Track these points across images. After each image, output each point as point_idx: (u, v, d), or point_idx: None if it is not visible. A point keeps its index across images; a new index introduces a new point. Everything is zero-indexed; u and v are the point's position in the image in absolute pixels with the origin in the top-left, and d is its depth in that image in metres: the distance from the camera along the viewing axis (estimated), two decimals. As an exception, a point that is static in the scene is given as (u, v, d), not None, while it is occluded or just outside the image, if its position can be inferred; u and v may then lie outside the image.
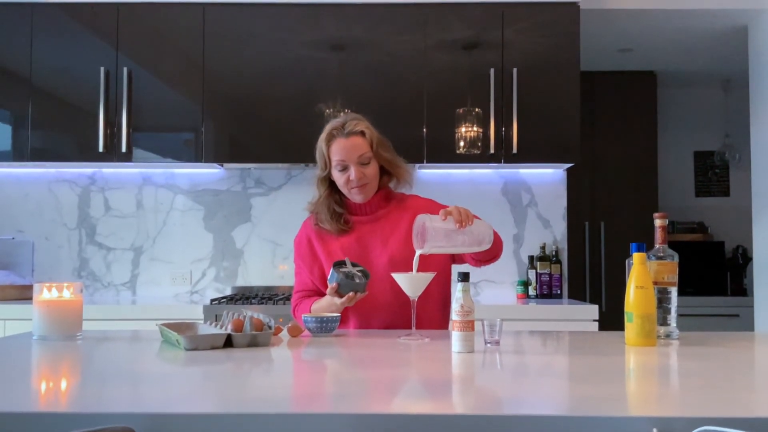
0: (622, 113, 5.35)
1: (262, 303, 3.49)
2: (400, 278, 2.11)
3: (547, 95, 3.72)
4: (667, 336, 2.04)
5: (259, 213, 4.04)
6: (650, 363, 1.75)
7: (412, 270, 2.13)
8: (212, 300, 3.61)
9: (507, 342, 2.04)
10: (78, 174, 4.05)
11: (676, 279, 2.05)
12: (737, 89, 5.57)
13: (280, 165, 3.90)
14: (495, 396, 1.43)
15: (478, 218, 2.22)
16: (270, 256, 4.03)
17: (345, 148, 2.31)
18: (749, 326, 4.78)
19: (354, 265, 2.23)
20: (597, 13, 4.01)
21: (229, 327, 1.98)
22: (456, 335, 1.85)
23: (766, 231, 4.15)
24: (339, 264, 2.23)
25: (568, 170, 4.01)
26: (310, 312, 2.31)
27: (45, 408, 1.29)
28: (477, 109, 3.69)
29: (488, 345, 1.93)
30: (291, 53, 3.74)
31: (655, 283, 2.01)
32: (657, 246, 2.06)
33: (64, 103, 3.79)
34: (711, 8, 4.04)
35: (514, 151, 3.67)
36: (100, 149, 3.70)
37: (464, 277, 1.88)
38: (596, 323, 3.45)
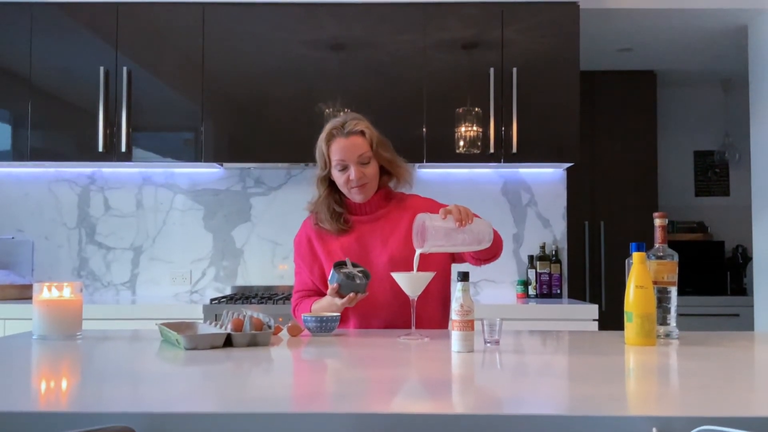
0: (622, 113, 5.35)
1: (262, 302, 3.49)
2: (399, 278, 2.11)
3: (547, 95, 3.72)
4: (667, 336, 2.04)
5: (259, 213, 4.04)
6: (650, 362, 1.75)
7: (412, 269, 2.13)
8: (212, 299, 3.61)
9: (507, 341, 2.04)
10: (78, 174, 4.05)
11: (675, 279, 2.05)
12: (737, 89, 5.57)
13: (279, 164, 3.90)
14: (495, 395, 1.43)
15: (478, 217, 2.22)
16: (270, 256, 4.03)
17: (345, 147, 2.31)
18: (749, 326, 4.78)
19: (354, 265, 2.23)
20: (597, 13, 4.01)
21: (229, 327, 1.98)
22: (455, 335, 1.85)
23: (766, 230, 4.15)
24: (339, 264, 2.22)
25: (568, 170, 4.01)
26: (310, 312, 2.30)
27: (45, 408, 1.29)
28: (477, 109, 3.69)
29: (488, 345, 1.93)
30: (291, 53, 3.73)
31: (655, 282, 2.01)
32: (657, 245, 2.06)
33: (64, 102, 3.79)
34: (711, 8, 4.04)
35: (514, 150, 3.67)
36: (100, 149, 3.70)
37: (464, 276, 1.88)
38: (596, 323, 3.45)
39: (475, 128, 3.69)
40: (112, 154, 3.73)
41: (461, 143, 3.69)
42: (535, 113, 3.70)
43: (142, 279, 4.03)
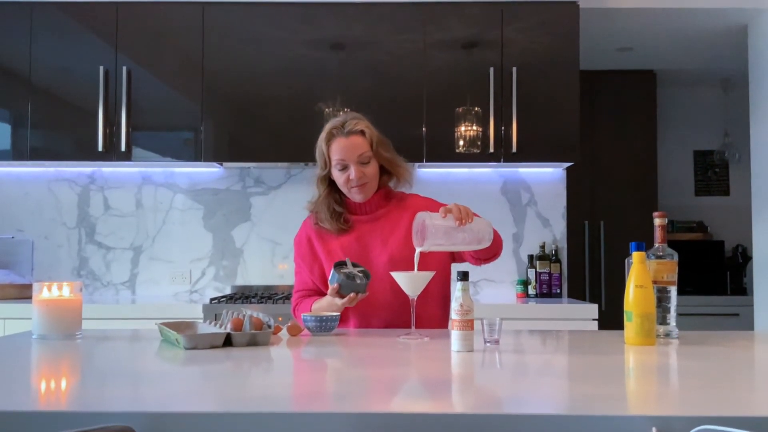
0: (622, 112, 5.35)
1: (262, 302, 3.49)
2: (399, 277, 2.11)
3: (547, 94, 3.72)
4: (667, 335, 2.04)
5: (259, 212, 4.04)
6: (650, 362, 1.75)
7: (412, 269, 2.13)
8: (212, 299, 3.61)
9: (506, 341, 2.04)
10: (77, 173, 4.05)
11: (675, 278, 2.05)
12: (737, 88, 5.57)
13: (279, 164, 3.90)
14: (494, 395, 1.43)
15: (478, 216, 2.22)
16: (269, 256, 4.03)
17: (345, 147, 2.31)
18: (749, 325, 4.79)
19: (355, 265, 2.23)
20: (596, 12, 4.01)
21: (229, 326, 1.98)
22: (455, 334, 1.85)
23: (766, 230, 4.15)
24: (340, 264, 2.22)
25: (568, 169, 4.01)
26: (310, 312, 2.30)
27: (45, 407, 1.29)
28: (476, 108, 3.69)
29: (488, 344, 1.93)
30: (290, 52, 3.73)
31: (655, 282, 2.01)
32: (656, 245, 2.06)
33: (64, 102, 3.79)
34: (711, 7, 4.04)
35: (514, 150, 3.67)
36: (100, 148, 3.70)
37: (463, 276, 1.88)
38: (596, 322, 3.45)
39: (474, 128, 3.69)
40: (111, 153, 3.73)
41: (461, 143, 3.69)
42: (534, 113, 3.69)
43: (142, 278, 4.03)
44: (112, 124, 3.72)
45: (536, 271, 3.91)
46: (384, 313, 2.33)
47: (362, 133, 2.33)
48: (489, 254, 2.30)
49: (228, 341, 1.93)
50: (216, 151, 3.77)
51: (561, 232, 4.02)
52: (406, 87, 3.73)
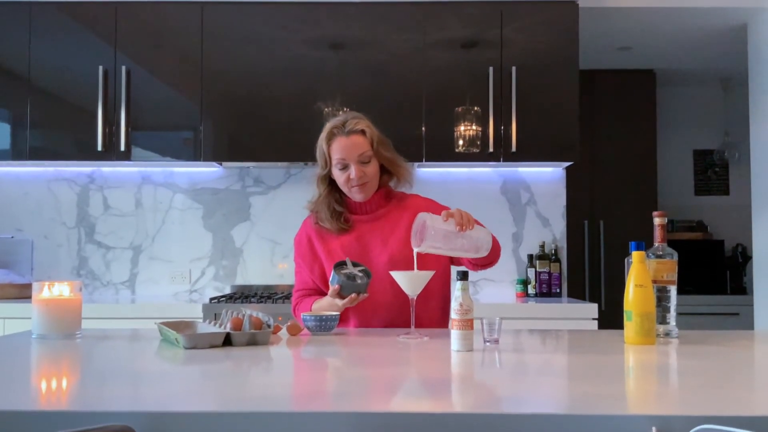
0: (622, 112, 5.35)
1: (261, 302, 3.49)
2: (399, 276, 2.11)
3: (546, 94, 3.72)
4: (667, 335, 2.04)
5: (258, 212, 4.04)
6: (649, 361, 1.75)
7: (412, 269, 2.12)
8: (211, 299, 3.61)
9: (506, 341, 2.04)
10: (77, 173, 4.05)
11: (675, 277, 2.05)
12: (737, 87, 5.57)
13: (279, 164, 3.90)
14: (494, 394, 1.43)
15: (480, 224, 2.22)
16: (269, 255, 4.03)
17: (345, 146, 2.31)
18: (749, 325, 4.78)
19: (355, 264, 2.23)
20: (596, 12, 4.01)
21: (228, 326, 1.98)
22: (455, 334, 1.85)
23: (766, 229, 4.15)
24: (340, 265, 2.22)
25: (567, 169, 4.01)
26: (310, 311, 2.30)
27: (44, 407, 1.29)
28: (476, 108, 3.69)
29: (487, 344, 1.93)
30: (290, 52, 3.73)
31: (655, 281, 2.01)
32: (656, 244, 2.06)
33: (63, 102, 3.78)
34: (710, 6, 4.04)
35: (513, 149, 3.67)
36: (99, 148, 3.70)
37: (463, 275, 1.88)
38: (595, 322, 3.45)
39: (474, 127, 3.69)
40: (111, 153, 3.72)
41: (460, 142, 3.69)
42: (534, 112, 3.69)
43: (142, 278, 4.03)
44: (111, 123, 3.72)
45: (536, 271, 3.91)
46: (384, 312, 2.33)
47: (363, 132, 2.33)
48: (485, 261, 2.30)
49: (227, 341, 1.93)
50: (215, 151, 3.77)
51: (561, 232, 4.02)
52: (406, 86, 3.72)
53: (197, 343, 1.88)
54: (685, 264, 2.51)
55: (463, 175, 4.02)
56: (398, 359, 1.80)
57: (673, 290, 2.05)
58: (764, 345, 2.11)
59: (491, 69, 3.69)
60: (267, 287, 3.99)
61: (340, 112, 3.58)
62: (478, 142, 3.69)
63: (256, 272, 4.03)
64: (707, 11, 4.10)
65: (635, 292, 1.93)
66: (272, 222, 4.03)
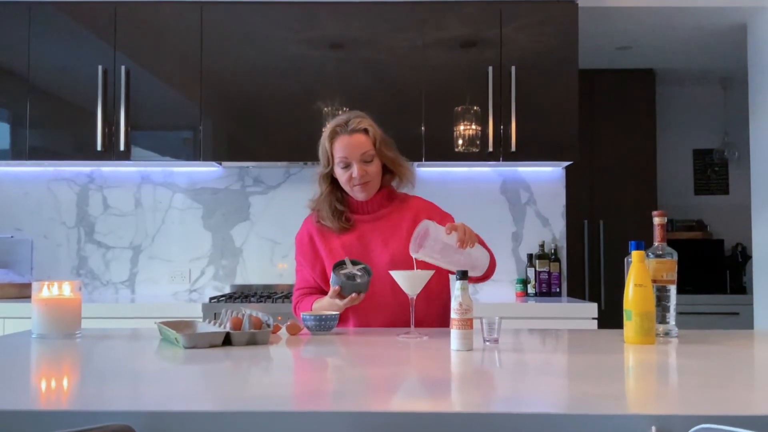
0: (621, 111, 5.35)
1: (261, 301, 3.49)
2: (398, 276, 2.11)
3: (546, 93, 3.72)
4: (666, 334, 2.04)
5: (258, 211, 4.04)
6: (649, 361, 1.75)
7: (413, 269, 2.12)
8: (211, 298, 3.61)
9: (506, 340, 2.04)
10: (76, 172, 4.04)
11: (675, 277, 2.05)
12: (736, 87, 5.57)
13: (278, 163, 3.90)
14: (494, 394, 1.43)
15: (482, 240, 2.22)
16: (269, 255, 4.03)
17: (348, 145, 2.31)
18: (749, 324, 4.78)
19: (354, 263, 2.22)
20: (595, 11, 4.01)
21: (228, 325, 1.98)
22: (455, 333, 1.85)
23: (766, 229, 4.15)
24: (339, 265, 2.22)
25: (567, 168, 4.01)
26: (311, 311, 2.31)
27: (44, 406, 1.29)
28: (475, 107, 3.69)
29: (487, 343, 1.93)
30: (289, 51, 3.73)
31: (654, 281, 2.01)
32: (656, 244, 2.06)
33: (63, 101, 3.78)
34: (710, 6, 4.04)
35: (513, 149, 3.67)
36: (99, 148, 3.70)
37: (463, 275, 1.88)
38: (595, 321, 3.45)
39: (473, 127, 3.69)
40: (110, 153, 3.72)
41: (460, 142, 3.69)
42: (534, 112, 3.69)
43: (141, 278, 4.03)
44: (111, 123, 3.72)
45: (535, 270, 3.91)
46: (384, 313, 2.33)
47: (365, 131, 2.34)
48: (476, 278, 2.29)
49: (227, 340, 1.93)
50: (215, 151, 3.77)
51: (560, 231, 4.02)
52: (405, 86, 3.72)
53: (197, 342, 1.88)
54: (684, 263, 2.51)
55: (463, 175, 4.02)
56: (398, 359, 1.80)
57: (672, 290, 2.05)
58: (764, 344, 2.11)
59: (491, 68, 3.69)
60: (266, 287, 3.99)
61: (340, 112, 3.59)
62: (478, 142, 3.69)
63: (255, 272, 4.03)
64: (707, 11, 4.10)
65: (635, 292, 1.93)
66: (272, 222, 4.03)
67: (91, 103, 3.70)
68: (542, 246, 3.95)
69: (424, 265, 2.15)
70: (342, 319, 2.33)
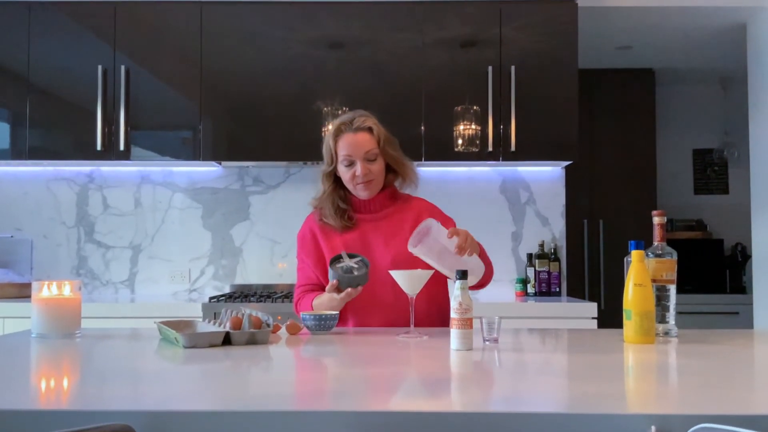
0: (621, 111, 5.35)
1: (261, 301, 3.49)
2: (398, 275, 2.11)
3: (546, 93, 3.72)
4: (666, 334, 2.04)
5: (258, 211, 4.04)
6: (649, 361, 1.75)
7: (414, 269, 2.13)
8: (211, 298, 3.61)
9: (505, 340, 2.04)
10: (76, 172, 4.04)
11: (674, 276, 2.05)
12: (736, 87, 5.57)
13: (278, 163, 3.90)
14: (494, 394, 1.43)
15: (484, 251, 2.22)
16: (268, 254, 4.03)
17: (352, 143, 2.32)
18: (748, 324, 4.78)
19: (351, 256, 2.22)
20: (595, 11, 4.01)
21: (228, 325, 1.98)
22: (454, 333, 1.85)
23: (765, 228, 4.15)
24: (336, 259, 2.22)
25: (567, 168, 4.01)
26: (311, 307, 2.31)
27: (44, 406, 1.29)
28: (475, 107, 3.69)
29: (487, 343, 1.93)
30: (289, 51, 3.73)
31: (654, 280, 2.01)
32: (655, 244, 2.06)
33: (62, 101, 3.78)
34: (709, 6, 4.04)
35: (513, 148, 3.67)
36: (98, 147, 3.70)
37: (462, 274, 1.88)
38: (595, 321, 3.45)
39: (473, 126, 3.69)
40: (110, 152, 3.72)
41: (460, 141, 3.69)
42: (533, 111, 3.69)
43: (141, 277, 4.03)
44: (110, 123, 3.72)
45: (535, 270, 3.91)
46: (384, 313, 2.33)
47: (370, 130, 2.34)
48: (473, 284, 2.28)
49: (227, 340, 1.93)
50: (215, 150, 3.77)
51: (560, 231, 4.02)
52: (405, 86, 3.72)
53: (197, 342, 1.88)
54: (684, 263, 2.51)
55: (463, 175, 4.02)
56: (398, 358, 1.80)
57: (672, 289, 2.05)
58: (763, 344, 2.11)
59: (490, 68, 3.69)
60: (266, 286, 3.99)
61: (340, 112, 3.59)
62: (478, 142, 3.69)
63: (255, 271, 4.03)
64: (706, 10, 4.10)
65: (634, 291, 1.93)
66: (271, 221, 4.03)
67: (91, 103, 3.70)
68: (542, 246, 3.95)
69: (425, 265, 2.15)
70: (342, 318, 2.33)
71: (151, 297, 3.90)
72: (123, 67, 3.71)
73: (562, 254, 3.99)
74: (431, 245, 2.09)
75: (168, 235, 4.04)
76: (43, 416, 1.20)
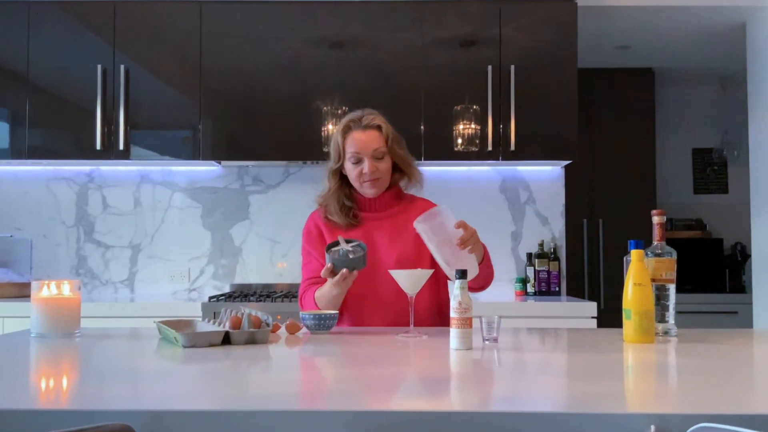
0: (620, 110, 5.35)
1: (260, 300, 3.49)
2: (397, 274, 2.11)
3: (545, 92, 3.72)
4: (666, 333, 2.04)
5: (257, 210, 4.04)
6: (648, 360, 1.75)
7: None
8: (210, 297, 3.60)
9: (505, 339, 2.04)
10: (76, 172, 4.04)
11: (674, 276, 2.05)
12: (735, 86, 5.57)
13: (278, 162, 3.90)
14: (493, 393, 1.43)
15: (487, 256, 2.22)
16: (268, 254, 4.03)
17: (361, 140, 2.32)
18: (748, 323, 4.78)
19: (348, 241, 2.21)
20: (595, 10, 4.01)
21: (227, 324, 1.98)
22: (454, 332, 1.85)
23: (765, 228, 4.15)
24: (333, 245, 2.20)
25: (566, 167, 4.01)
26: (314, 299, 2.30)
27: (43, 405, 1.29)
28: (475, 107, 3.69)
29: (486, 342, 1.93)
30: (289, 50, 3.73)
31: (654, 280, 2.01)
32: (655, 243, 2.06)
33: (62, 100, 3.78)
34: (709, 5, 4.04)
35: (512, 148, 3.67)
36: (98, 147, 3.70)
37: (462, 274, 1.88)
38: (594, 320, 3.46)
39: (473, 126, 3.69)
40: (110, 152, 3.72)
41: (459, 141, 3.69)
42: (533, 111, 3.69)
43: (141, 277, 4.03)
44: (110, 122, 3.72)
45: (535, 270, 3.91)
46: (385, 312, 2.32)
47: (379, 128, 2.34)
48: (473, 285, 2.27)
49: (227, 339, 1.93)
50: (214, 150, 3.77)
51: (559, 230, 4.02)
52: (405, 85, 3.72)
53: (196, 341, 1.88)
54: (684, 262, 2.51)
55: (462, 174, 4.02)
56: (397, 358, 1.80)
57: (672, 289, 2.05)
58: (763, 343, 2.11)
59: (490, 68, 3.69)
60: (266, 286, 3.99)
61: (340, 112, 3.59)
62: (477, 141, 3.69)
63: (255, 271, 4.03)
64: (706, 10, 4.10)
65: (634, 291, 1.93)
66: (271, 221, 4.03)
67: (91, 103, 3.70)
68: (541, 245, 3.95)
69: (426, 265, 2.15)
70: (342, 318, 2.33)
71: (151, 296, 3.90)
72: (122, 67, 3.71)
73: (562, 254, 3.99)
74: (436, 229, 2.09)
75: (168, 234, 4.04)
76: (43, 416, 1.20)
